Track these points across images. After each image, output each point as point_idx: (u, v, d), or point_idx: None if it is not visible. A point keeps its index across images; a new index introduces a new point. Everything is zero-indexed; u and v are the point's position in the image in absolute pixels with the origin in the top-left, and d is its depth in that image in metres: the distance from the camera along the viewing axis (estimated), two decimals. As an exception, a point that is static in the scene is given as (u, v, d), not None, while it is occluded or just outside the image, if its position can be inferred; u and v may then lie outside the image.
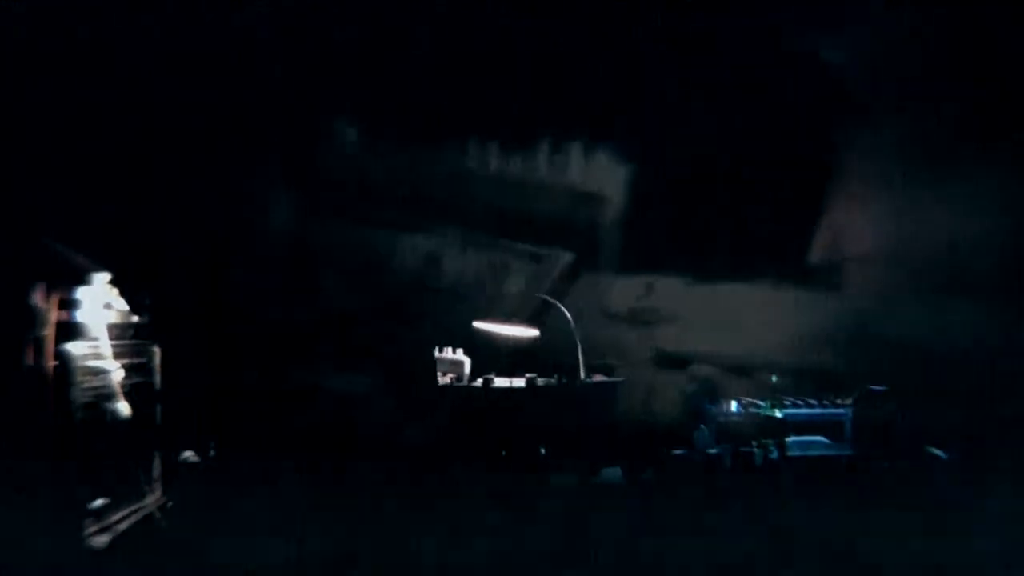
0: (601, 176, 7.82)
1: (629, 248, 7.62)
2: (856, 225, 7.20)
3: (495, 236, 8.12)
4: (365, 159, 8.45)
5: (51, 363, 5.90)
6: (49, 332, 5.97)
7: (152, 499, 6.69)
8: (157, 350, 7.13)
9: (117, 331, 6.66)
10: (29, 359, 5.84)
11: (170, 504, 6.81)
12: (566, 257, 8.00)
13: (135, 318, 6.92)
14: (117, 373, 6.50)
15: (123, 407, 6.38)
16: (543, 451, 6.97)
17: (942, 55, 6.95)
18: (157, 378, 7.20)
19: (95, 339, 6.34)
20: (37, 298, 5.91)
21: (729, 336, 6.91)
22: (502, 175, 8.13)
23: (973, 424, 6.24)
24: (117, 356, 6.46)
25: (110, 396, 6.41)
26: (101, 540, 5.93)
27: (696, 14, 7.46)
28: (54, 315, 6.04)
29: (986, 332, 6.40)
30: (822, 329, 6.76)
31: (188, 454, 7.61)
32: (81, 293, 6.29)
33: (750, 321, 6.95)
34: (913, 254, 6.98)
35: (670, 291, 7.25)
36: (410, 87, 7.96)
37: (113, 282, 6.56)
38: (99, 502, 6.04)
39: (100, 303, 6.48)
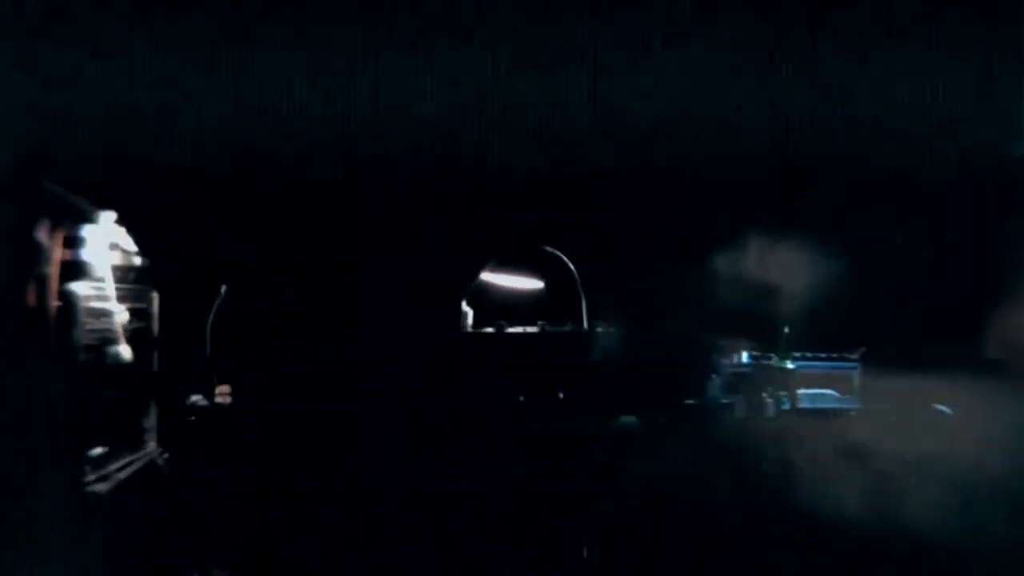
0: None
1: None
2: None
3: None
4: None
5: (54, 303, 5.66)
6: (53, 271, 5.73)
7: (151, 447, 6.52)
8: (156, 295, 6.83)
9: (120, 273, 6.43)
10: (31, 298, 5.61)
11: (168, 454, 6.61)
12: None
13: (138, 260, 6.67)
14: (121, 316, 6.29)
15: (125, 351, 6.18)
16: (560, 396, 6.82)
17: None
18: (155, 324, 6.95)
19: (100, 280, 6.11)
20: (41, 235, 5.67)
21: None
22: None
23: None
24: (120, 299, 6.21)
25: (113, 339, 6.20)
26: (100, 488, 5.76)
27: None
28: (58, 253, 5.80)
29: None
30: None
31: (196, 398, 7.41)
32: (87, 231, 6.05)
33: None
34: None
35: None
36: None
37: (120, 221, 6.31)
38: (98, 450, 5.87)
39: (106, 243, 6.24)
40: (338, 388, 7.63)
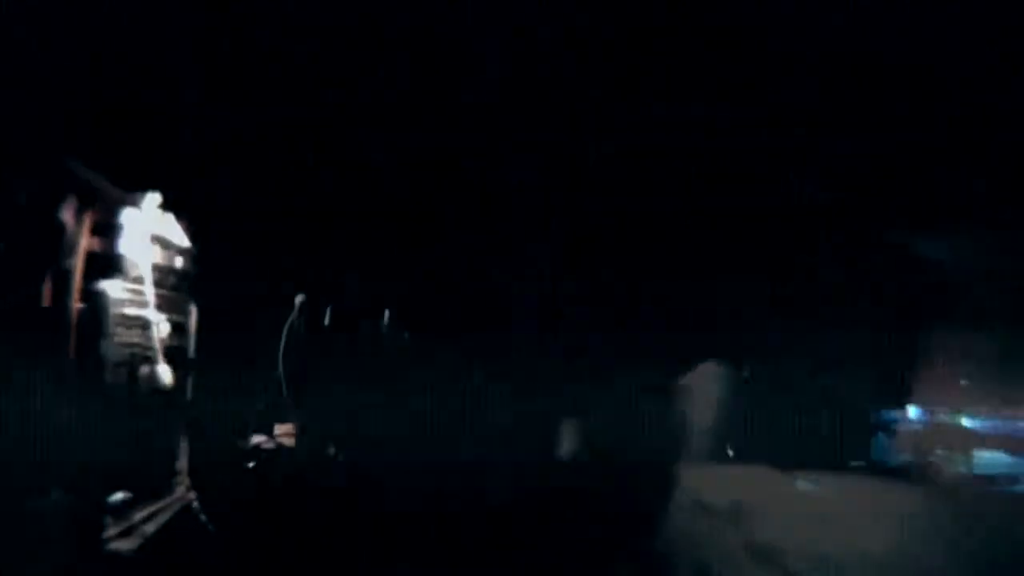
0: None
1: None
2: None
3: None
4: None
5: (77, 305, 4.30)
6: (77, 264, 4.38)
7: (182, 493, 5.08)
8: (194, 309, 5.38)
9: (161, 275, 5.05)
10: (47, 297, 4.25)
11: (198, 502, 5.16)
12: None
13: (179, 263, 5.28)
14: (162, 327, 4.91)
15: (164, 373, 4.79)
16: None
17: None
18: (191, 344, 5.47)
19: (137, 280, 4.75)
20: (65, 217, 4.32)
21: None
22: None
23: None
24: (160, 308, 4.84)
25: (150, 357, 4.82)
26: (124, 546, 4.32)
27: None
28: (85, 242, 4.45)
29: None
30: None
31: (260, 439, 5.88)
32: (124, 217, 4.70)
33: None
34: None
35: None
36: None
37: (167, 206, 4.95)
38: (120, 495, 4.46)
39: (148, 232, 4.88)
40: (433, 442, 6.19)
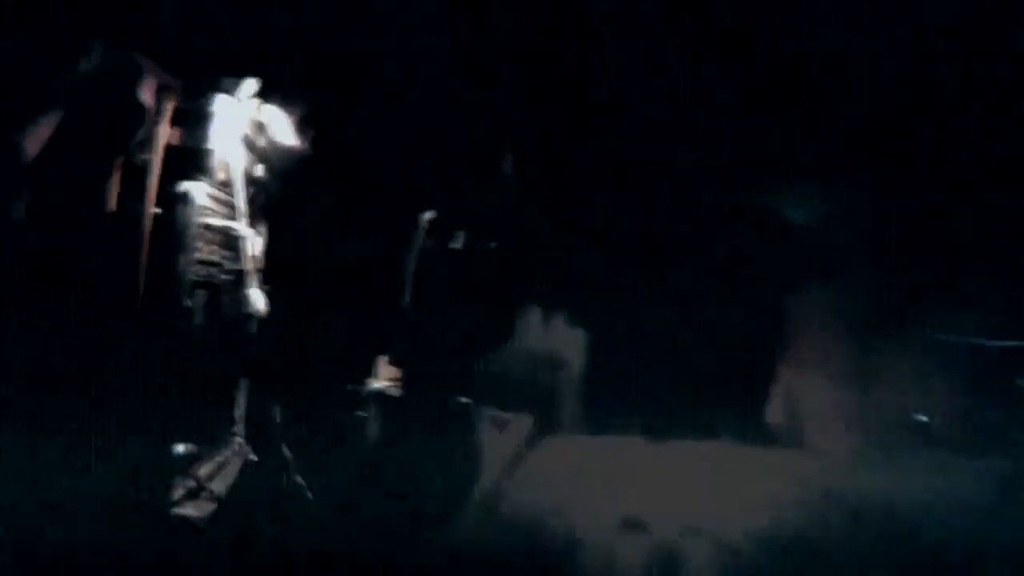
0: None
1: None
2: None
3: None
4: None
5: (151, 208, 3.38)
6: (155, 159, 3.45)
7: (236, 447, 4.17)
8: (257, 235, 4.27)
9: (254, 179, 4.10)
10: (113, 199, 3.34)
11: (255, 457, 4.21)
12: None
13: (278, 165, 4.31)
14: (255, 243, 3.98)
15: (256, 299, 3.86)
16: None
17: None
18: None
19: (227, 183, 3.80)
20: (144, 97, 3.36)
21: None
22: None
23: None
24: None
25: (238, 281, 3.91)
26: (194, 512, 3.47)
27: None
28: (165, 132, 3.50)
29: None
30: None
31: (378, 384, 4.85)
32: (216, 104, 3.73)
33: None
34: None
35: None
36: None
37: (267, 93, 3.95)
38: (182, 447, 3.59)
39: (242, 127, 3.91)
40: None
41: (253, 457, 4.11)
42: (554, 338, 6.65)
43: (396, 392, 4.69)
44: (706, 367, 6.96)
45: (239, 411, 4.18)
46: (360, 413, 4.50)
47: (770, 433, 7.03)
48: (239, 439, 4.12)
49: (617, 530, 5.32)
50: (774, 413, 7.18)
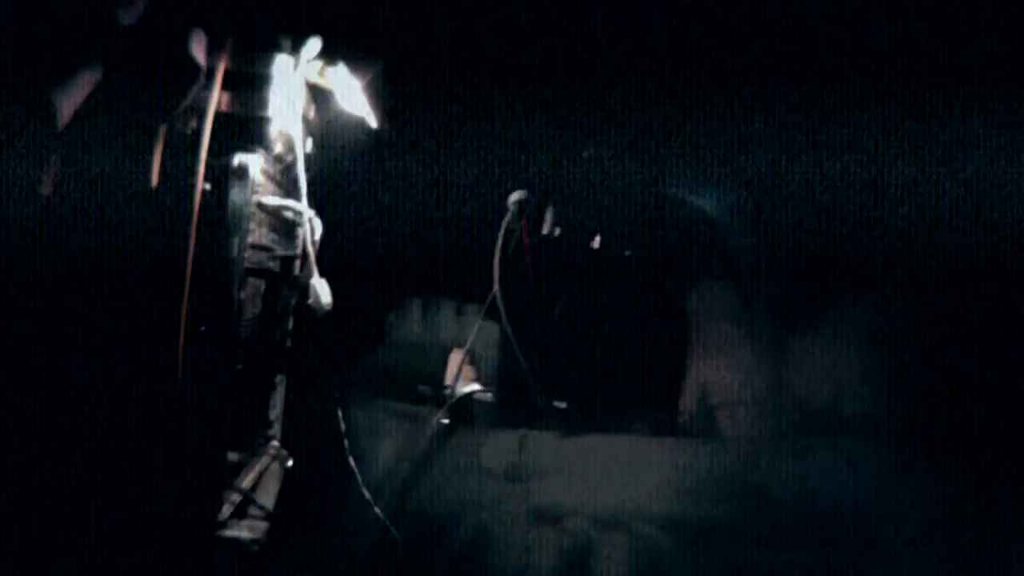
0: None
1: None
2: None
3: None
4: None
5: (200, 184, 2.92)
6: (205, 127, 2.99)
7: (273, 451, 3.70)
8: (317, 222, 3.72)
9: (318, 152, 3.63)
10: (156, 172, 2.89)
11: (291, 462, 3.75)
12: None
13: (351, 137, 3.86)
14: (317, 225, 3.50)
15: (323, 291, 3.38)
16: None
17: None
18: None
19: (287, 158, 3.32)
20: (195, 50, 2.90)
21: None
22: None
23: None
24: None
25: (300, 268, 3.45)
26: (244, 534, 3.02)
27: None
28: (216, 96, 3.04)
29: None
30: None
31: (472, 387, 4.31)
32: (275, 66, 3.26)
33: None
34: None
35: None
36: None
37: (333, 54, 3.45)
38: (234, 455, 3.14)
39: (305, 92, 3.43)
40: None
41: (291, 462, 3.66)
42: (467, 331, 6.36)
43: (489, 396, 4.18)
44: (618, 359, 6.66)
45: (275, 411, 3.71)
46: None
47: (681, 423, 6.94)
48: (275, 443, 3.66)
49: (527, 522, 5.34)
50: (685, 402, 7.03)
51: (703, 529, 5.46)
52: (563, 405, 4.21)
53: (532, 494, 5.62)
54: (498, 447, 5.94)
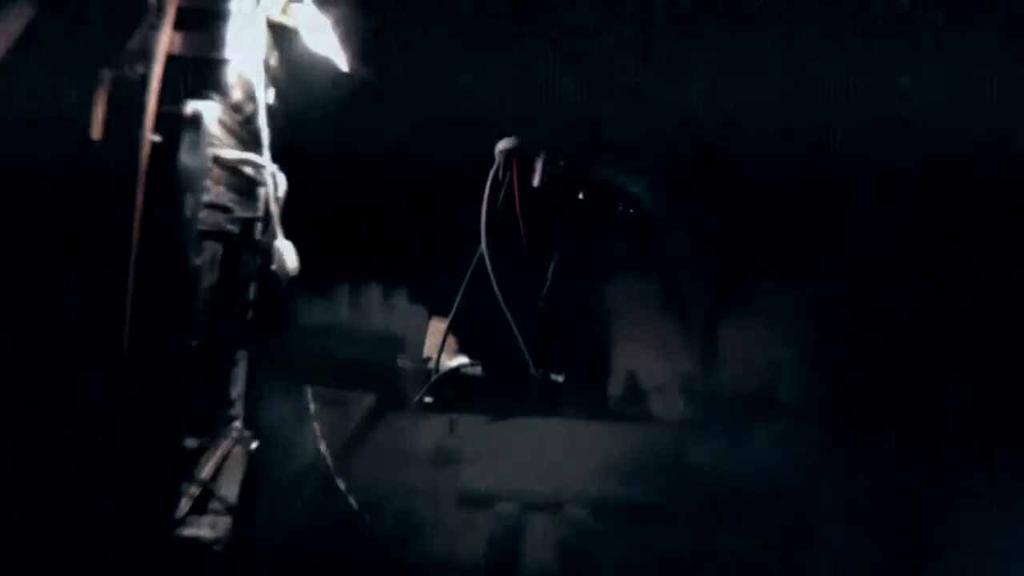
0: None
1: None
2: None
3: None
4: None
5: (148, 136, 2.54)
6: (154, 72, 2.60)
7: (235, 434, 3.39)
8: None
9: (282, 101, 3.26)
10: (99, 123, 2.51)
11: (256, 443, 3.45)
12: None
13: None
14: (280, 182, 3.14)
15: (288, 254, 3.03)
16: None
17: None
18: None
19: (245, 105, 2.95)
20: None
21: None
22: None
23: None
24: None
25: (261, 229, 3.10)
26: (204, 534, 2.72)
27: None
28: (167, 37, 2.65)
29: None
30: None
31: (463, 361, 3.95)
32: (232, 2, 2.88)
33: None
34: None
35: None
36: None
37: None
38: (192, 441, 2.83)
39: (267, 32, 3.06)
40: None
41: (255, 444, 3.35)
42: (395, 317, 6.21)
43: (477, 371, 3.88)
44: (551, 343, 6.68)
45: (237, 389, 3.38)
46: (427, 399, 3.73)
47: (611, 406, 6.93)
48: (237, 424, 3.34)
49: (457, 506, 5.40)
50: (614, 386, 7.04)
51: (634, 511, 5.60)
52: (560, 379, 3.88)
53: (461, 477, 5.71)
54: (428, 432, 5.97)
